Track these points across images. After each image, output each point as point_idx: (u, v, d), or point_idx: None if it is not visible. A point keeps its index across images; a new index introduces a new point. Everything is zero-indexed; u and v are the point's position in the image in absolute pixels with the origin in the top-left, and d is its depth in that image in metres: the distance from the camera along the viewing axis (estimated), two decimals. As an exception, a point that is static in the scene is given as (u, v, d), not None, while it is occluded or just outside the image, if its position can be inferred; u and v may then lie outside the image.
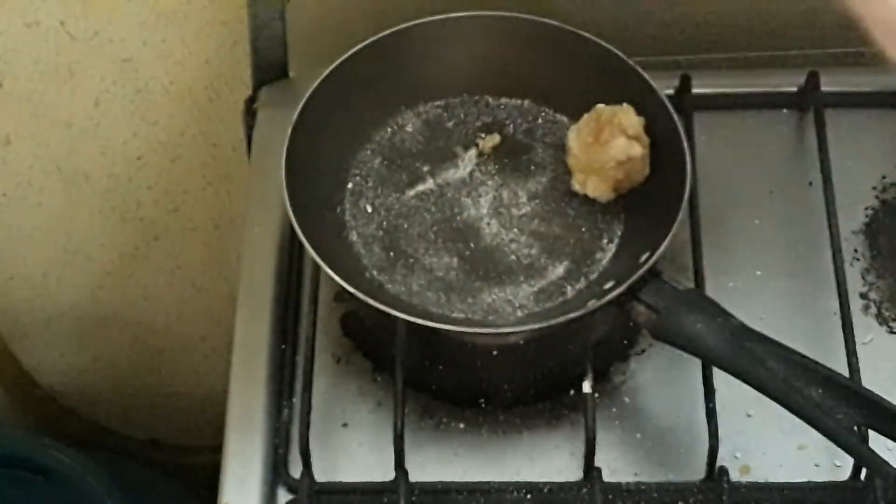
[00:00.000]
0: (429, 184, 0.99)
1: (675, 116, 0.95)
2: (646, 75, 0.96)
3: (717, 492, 0.88)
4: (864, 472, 0.88)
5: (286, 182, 0.92)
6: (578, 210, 0.97)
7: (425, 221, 0.97)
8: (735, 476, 0.89)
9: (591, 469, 0.89)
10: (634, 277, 0.87)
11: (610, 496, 0.88)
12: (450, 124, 1.02)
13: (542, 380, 0.94)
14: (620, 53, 0.97)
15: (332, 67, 0.97)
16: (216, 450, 0.92)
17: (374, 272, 0.94)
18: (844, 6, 0.44)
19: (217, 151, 1.26)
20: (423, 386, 0.94)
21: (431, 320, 0.89)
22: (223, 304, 1.40)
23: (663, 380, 0.95)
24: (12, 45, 1.17)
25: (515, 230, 0.96)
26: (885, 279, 0.99)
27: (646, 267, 0.88)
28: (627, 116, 0.94)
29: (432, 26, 1.00)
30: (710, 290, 0.93)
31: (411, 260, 0.95)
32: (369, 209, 0.98)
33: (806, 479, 0.90)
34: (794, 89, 1.07)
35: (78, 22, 1.15)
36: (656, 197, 0.95)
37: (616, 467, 0.90)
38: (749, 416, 0.92)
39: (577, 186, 0.97)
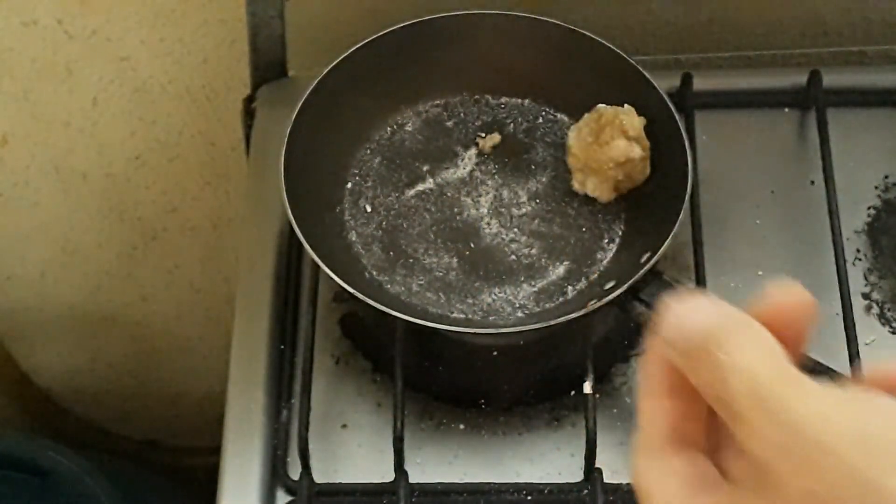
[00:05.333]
0: (428, 183, 0.98)
1: (676, 115, 0.94)
2: (646, 74, 0.96)
3: (718, 493, 0.87)
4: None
5: (285, 181, 0.91)
6: (579, 210, 0.97)
7: (425, 221, 0.97)
8: (737, 477, 0.89)
9: (591, 470, 0.88)
10: (635, 277, 0.87)
11: (611, 497, 0.88)
12: (450, 123, 1.01)
13: (543, 380, 0.94)
14: (621, 52, 0.97)
15: (331, 66, 0.97)
16: (215, 451, 0.92)
17: (374, 272, 0.94)
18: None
19: (215, 151, 1.26)
20: (423, 387, 0.93)
21: (431, 321, 0.88)
22: (222, 305, 1.40)
23: (664, 380, 0.94)
24: (9, 44, 1.16)
25: (515, 230, 0.96)
26: (887, 279, 0.98)
27: (647, 267, 0.87)
28: (629, 118, 0.94)
29: (432, 25, 0.99)
30: (712, 290, 0.92)
31: (411, 260, 0.95)
32: (369, 209, 0.97)
33: (808, 481, 0.89)
34: (796, 88, 1.06)
35: (75, 21, 1.14)
36: (657, 196, 0.94)
37: (617, 468, 0.90)
38: (751, 416, 0.92)
39: (576, 186, 0.97)
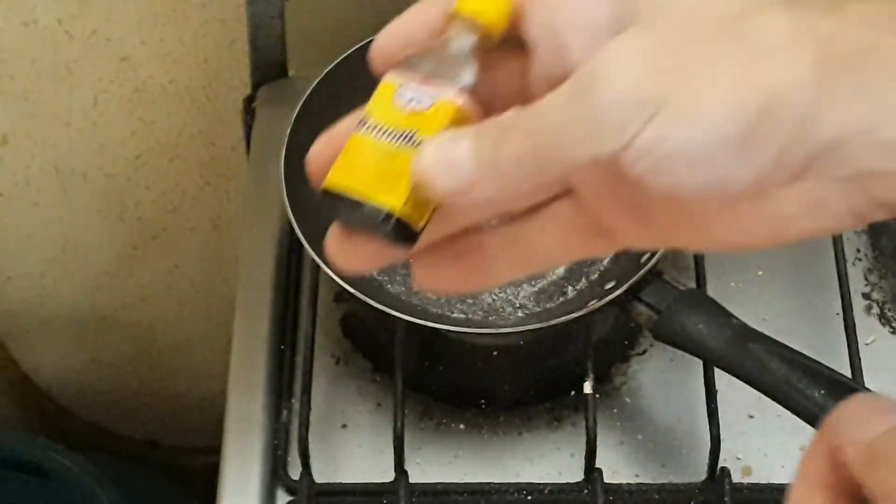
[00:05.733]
0: (428, 183, 0.98)
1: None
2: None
3: (718, 493, 0.87)
4: (866, 473, 0.88)
5: (285, 181, 0.91)
6: (579, 210, 0.97)
7: (425, 221, 0.96)
8: (737, 477, 0.89)
9: (591, 470, 0.88)
10: (636, 278, 0.87)
11: (611, 497, 0.88)
12: (449, 123, 1.01)
13: (543, 380, 0.94)
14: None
15: (331, 66, 0.97)
16: (215, 451, 0.92)
17: (374, 272, 0.94)
18: None
19: (216, 151, 1.26)
20: (423, 387, 0.93)
21: (431, 320, 0.88)
22: (222, 305, 1.39)
23: (664, 380, 0.94)
24: (9, 44, 1.16)
25: (516, 230, 0.96)
26: (887, 279, 0.98)
27: (647, 267, 0.87)
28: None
29: (432, 25, 0.99)
30: (712, 291, 0.92)
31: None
32: (368, 209, 0.97)
33: (808, 481, 0.89)
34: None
35: (75, 21, 1.14)
36: (657, 196, 0.94)
37: (617, 468, 0.90)
38: (751, 416, 0.92)
39: (577, 186, 0.97)
